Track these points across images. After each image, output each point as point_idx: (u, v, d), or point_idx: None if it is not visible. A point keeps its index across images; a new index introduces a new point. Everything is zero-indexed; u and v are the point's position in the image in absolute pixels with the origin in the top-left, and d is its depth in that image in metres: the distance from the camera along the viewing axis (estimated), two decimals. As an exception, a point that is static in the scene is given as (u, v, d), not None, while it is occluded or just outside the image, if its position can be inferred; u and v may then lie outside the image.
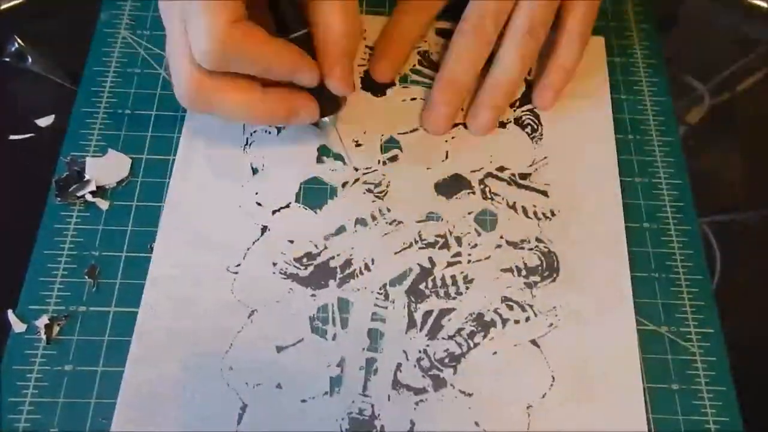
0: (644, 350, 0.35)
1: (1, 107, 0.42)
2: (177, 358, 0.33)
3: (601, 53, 0.45)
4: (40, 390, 0.33)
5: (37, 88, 0.42)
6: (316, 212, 0.38)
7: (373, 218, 0.38)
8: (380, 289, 0.36)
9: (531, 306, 0.36)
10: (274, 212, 0.38)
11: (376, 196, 0.39)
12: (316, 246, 0.37)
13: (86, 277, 0.35)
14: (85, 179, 0.37)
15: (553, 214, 0.39)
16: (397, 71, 0.42)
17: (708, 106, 0.44)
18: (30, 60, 0.42)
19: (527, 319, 0.36)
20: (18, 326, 0.34)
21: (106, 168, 0.38)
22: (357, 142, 0.40)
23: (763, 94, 0.45)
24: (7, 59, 0.42)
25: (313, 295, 0.36)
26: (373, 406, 0.33)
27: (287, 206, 0.38)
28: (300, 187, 0.39)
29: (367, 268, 0.37)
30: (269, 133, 0.40)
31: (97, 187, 0.37)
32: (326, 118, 0.37)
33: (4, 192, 0.38)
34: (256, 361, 0.34)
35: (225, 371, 0.33)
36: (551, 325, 0.35)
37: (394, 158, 0.40)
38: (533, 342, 0.35)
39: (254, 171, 0.39)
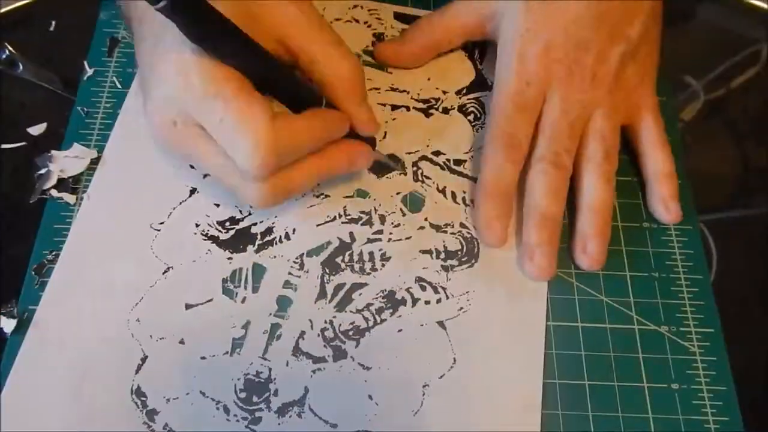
0: (644, 350, 0.35)
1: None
2: (87, 305, 0.34)
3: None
4: None
5: (28, 95, 0.41)
6: (246, 179, 0.39)
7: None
8: (297, 258, 0.36)
9: (444, 288, 0.36)
10: (205, 176, 0.38)
11: (308, 169, 0.39)
12: (240, 212, 0.38)
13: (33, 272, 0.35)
14: (46, 171, 0.37)
15: (481, 201, 0.39)
16: (509, 221, 0.38)
17: (703, 103, 0.44)
18: (21, 67, 0.42)
19: (438, 300, 0.36)
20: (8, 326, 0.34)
21: (70, 161, 0.38)
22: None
23: (757, 91, 0.45)
24: None
25: (229, 258, 0.36)
26: (270, 369, 0.33)
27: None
28: (234, 154, 0.39)
29: (287, 237, 0.37)
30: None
31: (60, 180, 0.37)
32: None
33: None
34: (163, 316, 0.34)
35: (131, 322, 0.34)
36: (461, 309, 0.36)
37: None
38: (440, 323, 0.35)
39: (193, 135, 0.40)
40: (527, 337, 0.35)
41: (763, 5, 0.48)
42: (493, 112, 0.39)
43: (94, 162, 0.38)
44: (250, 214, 0.38)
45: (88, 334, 0.34)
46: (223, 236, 0.37)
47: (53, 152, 0.38)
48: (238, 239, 0.37)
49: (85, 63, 0.42)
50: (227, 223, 0.37)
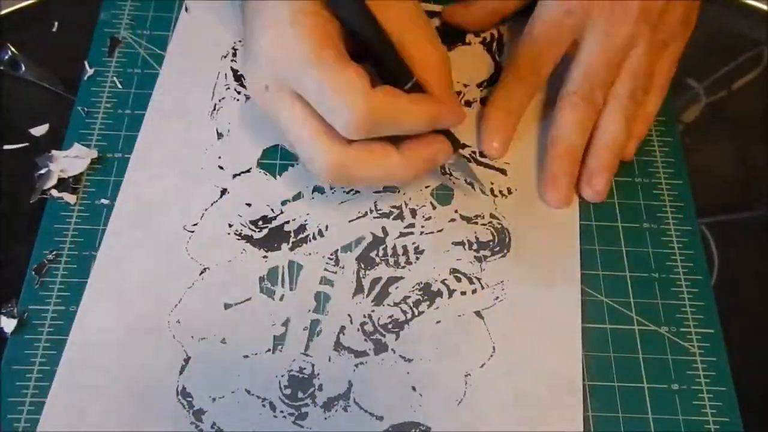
0: (644, 350, 0.35)
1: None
2: (129, 310, 0.34)
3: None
4: (40, 390, 0.32)
5: (31, 96, 0.41)
6: (276, 178, 0.39)
7: (331, 187, 0.39)
8: (331, 254, 0.37)
9: (479, 279, 0.36)
10: (234, 176, 0.39)
11: (337, 166, 0.39)
12: (272, 210, 0.38)
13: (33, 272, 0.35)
14: (47, 170, 0.37)
15: (509, 192, 0.39)
16: (509, 143, 0.40)
17: (704, 105, 0.45)
18: (23, 68, 0.42)
19: (474, 291, 0.36)
20: (8, 326, 0.34)
21: (70, 161, 0.38)
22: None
23: (758, 93, 0.46)
24: (1, 67, 0.42)
25: (264, 257, 0.36)
26: (313, 365, 0.34)
27: (248, 171, 0.39)
28: (262, 153, 0.40)
29: (320, 233, 0.37)
30: (237, 100, 0.41)
31: (60, 180, 0.37)
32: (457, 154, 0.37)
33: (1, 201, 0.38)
34: (203, 316, 0.35)
35: (172, 324, 0.34)
36: (497, 298, 0.36)
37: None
38: (477, 313, 0.35)
39: (219, 135, 0.40)
40: (563, 322, 0.35)
41: (765, 7, 0.49)
42: (523, 37, 0.40)
43: (95, 162, 0.38)
44: (282, 212, 0.38)
45: (130, 337, 0.34)
46: (257, 235, 0.37)
47: (54, 152, 0.38)
48: (272, 238, 0.37)
49: (86, 63, 0.42)
50: (260, 222, 0.37)
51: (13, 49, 0.42)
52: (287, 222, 0.37)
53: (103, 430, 0.31)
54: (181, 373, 0.33)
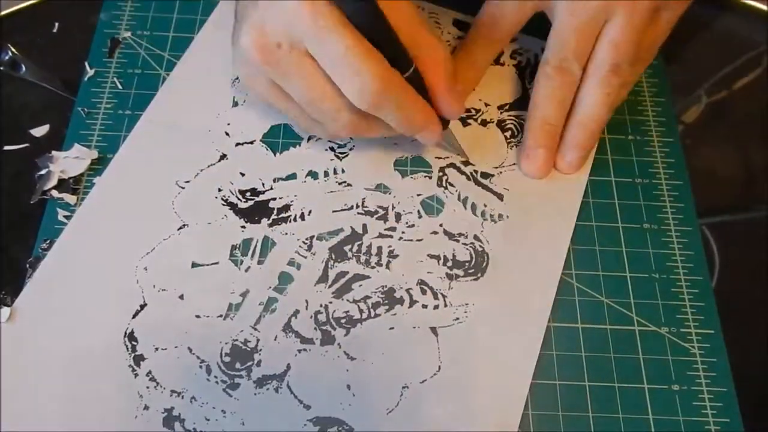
0: (644, 351, 0.35)
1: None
2: (104, 247, 0.36)
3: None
4: None
5: (31, 97, 0.41)
6: (275, 155, 0.40)
7: (326, 174, 0.39)
8: (306, 239, 0.37)
9: (444, 296, 0.36)
10: (237, 144, 0.40)
11: (336, 156, 0.40)
12: (263, 184, 0.38)
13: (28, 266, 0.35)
14: (47, 171, 0.37)
15: (500, 217, 0.38)
16: (466, 99, 0.42)
17: (705, 106, 0.44)
18: (24, 69, 0.42)
19: (436, 307, 0.36)
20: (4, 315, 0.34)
21: (70, 161, 0.38)
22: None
23: (759, 93, 0.45)
24: (1, 68, 0.42)
25: (243, 227, 0.37)
26: (258, 340, 0.34)
27: (251, 142, 0.40)
28: (269, 129, 0.40)
29: (302, 217, 0.38)
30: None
31: (60, 181, 0.37)
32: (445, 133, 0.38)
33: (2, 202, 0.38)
34: (169, 269, 0.36)
35: (139, 269, 0.35)
36: (457, 319, 0.35)
37: (366, 126, 0.41)
38: (433, 329, 0.35)
39: (235, 104, 0.41)
40: (517, 362, 0.34)
41: (765, 8, 0.48)
42: None
43: (95, 162, 0.38)
44: (271, 188, 0.38)
45: (95, 273, 0.35)
46: (242, 205, 0.38)
47: (54, 153, 0.38)
48: (255, 210, 0.38)
49: (86, 64, 0.42)
50: (248, 194, 0.38)
51: (13, 49, 0.43)
52: (273, 199, 0.38)
53: (50, 353, 0.33)
54: (133, 317, 0.34)
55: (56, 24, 0.44)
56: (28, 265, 0.35)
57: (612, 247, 0.38)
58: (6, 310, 0.34)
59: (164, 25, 0.44)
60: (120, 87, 0.41)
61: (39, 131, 0.40)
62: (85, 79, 0.41)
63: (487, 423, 0.33)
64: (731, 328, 0.36)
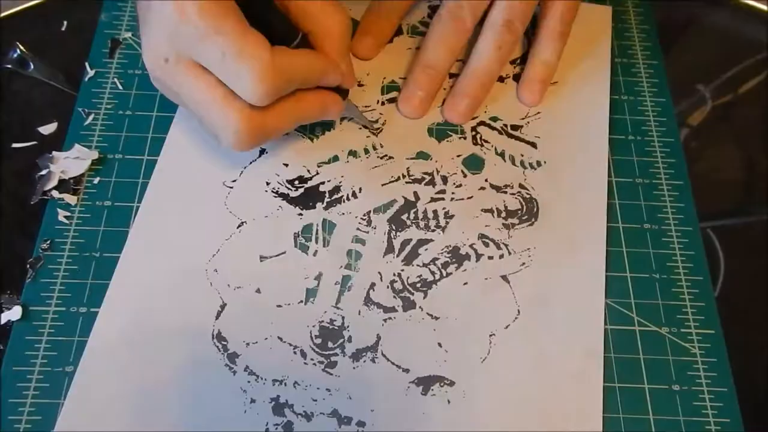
0: (644, 351, 0.35)
1: (3, 114, 0.41)
2: (169, 258, 0.36)
3: (607, 22, 0.46)
4: (40, 391, 0.32)
5: (39, 94, 0.41)
6: (312, 141, 0.40)
7: (366, 152, 0.40)
8: (364, 215, 0.38)
9: (506, 245, 0.37)
10: (272, 137, 0.40)
11: (371, 132, 0.41)
12: (308, 171, 0.39)
13: (28, 267, 0.35)
14: (47, 172, 0.37)
15: (539, 164, 0.40)
16: (380, 48, 0.43)
17: (710, 108, 0.45)
18: (32, 66, 0.42)
19: (501, 256, 0.37)
20: (15, 315, 0.34)
21: (71, 162, 0.38)
22: (360, 82, 0.42)
23: (764, 96, 0.45)
24: (9, 66, 0.42)
25: (300, 214, 0.38)
26: (343, 318, 0.35)
27: (287, 133, 0.40)
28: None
29: (354, 195, 0.38)
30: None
31: (61, 181, 0.37)
32: (347, 103, 0.38)
33: (7, 200, 0.38)
34: (240, 266, 0.36)
35: (210, 272, 0.36)
36: (523, 264, 0.37)
37: (392, 100, 0.42)
38: (504, 277, 0.36)
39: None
40: (587, 289, 0.36)
41: (765, 8, 0.48)
42: None
43: (96, 162, 0.38)
44: (317, 173, 0.39)
45: (168, 283, 0.35)
46: (293, 194, 0.38)
47: (54, 153, 0.38)
48: (308, 197, 0.38)
49: (86, 64, 0.42)
50: (296, 182, 0.39)
51: (21, 47, 0.43)
52: (322, 183, 0.39)
53: (138, 372, 0.33)
54: (217, 318, 0.34)
55: (64, 22, 0.44)
56: (28, 265, 0.35)
57: (612, 247, 0.38)
58: (17, 309, 0.34)
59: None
60: (120, 87, 0.41)
61: (47, 129, 0.40)
62: (86, 79, 0.41)
63: (573, 350, 0.34)
64: (736, 331, 0.36)
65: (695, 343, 0.36)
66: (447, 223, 0.38)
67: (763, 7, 0.49)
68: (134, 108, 0.41)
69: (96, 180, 0.38)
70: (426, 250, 0.37)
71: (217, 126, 0.33)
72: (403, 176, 0.39)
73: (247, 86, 0.31)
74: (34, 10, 0.44)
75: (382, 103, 0.42)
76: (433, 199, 0.39)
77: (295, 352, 0.34)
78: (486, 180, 0.39)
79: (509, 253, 0.37)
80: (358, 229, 0.37)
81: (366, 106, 0.41)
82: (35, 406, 0.32)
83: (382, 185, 0.39)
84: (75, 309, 0.35)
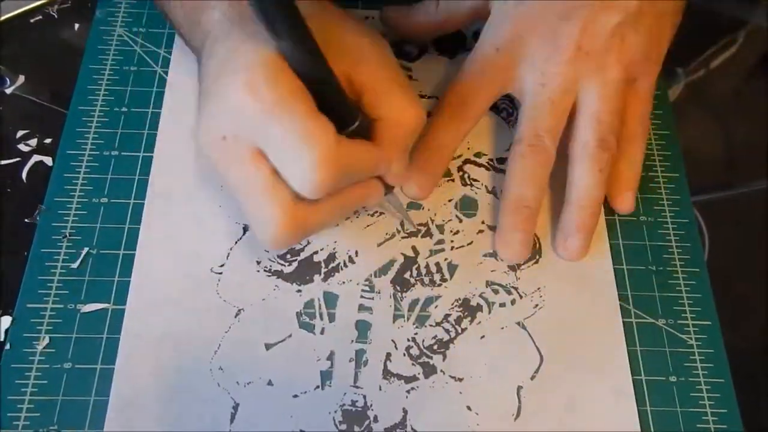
0: (641, 343, 0.35)
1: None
2: (167, 361, 0.33)
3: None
4: (39, 388, 0.32)
5: (18, 110, 0.41)
6: (297, 208, 0.38)
7: (355, 212, 0.38)
8: (366, 280, 0.36)
9: (516, 288, 0.36)
10: (254, 210, 0.38)
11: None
12: (299, 242, 0.37)
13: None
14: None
15: (534, 198, 0.39)
16: (435, 186, 0.38)
17: (683, 85, 0.45)
18: (8, 82, 0.41)
19: (513, 302, 0.36)
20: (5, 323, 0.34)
21: None
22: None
23: (736, 70, 0.46)
24: None
25: (298, 291, 0.36)
26: (365, 396, 0.33)
27: None
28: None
29: (351, 260, 0.37)
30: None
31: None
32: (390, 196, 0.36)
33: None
34: (246, 359, 0.34)
35: (215, 372, 0.33)
36: (536, 306, 0.36)
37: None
38: (519, 324, 0.35)
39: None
40: (605, 321, 0.36)
41: None
42: (457, 74, 0.38)
43: (92, 160, 0.38)
44: (308, 243, 0.37)
45: (173, 392, 0.33)
46: (287, 269, 0.36)
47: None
48: (303, 270, 0.36)
49: (83, 62, 0.42)
50: (288, 256, 0.37)
51: None
52: (316, 252, 0.37)
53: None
54: (232, 421, 0.32)
55: (42, 37, 0.44)
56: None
57: (609, 240, 0.38)
58: (6, 319, 0.34)
59: (160, 22, 0.43)
60: (116, 84, 0.41)
61: (27, 145, 0.39)
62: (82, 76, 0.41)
63: (603, 390, 0.34)
64: (723, 309, 0.36)
65: (692, 334, 0.36)
66: (452, 274, 0.37)
67: None
68: (129, 105, 0.40)
69: (93, 177, 0.38)
70: (436, 307, 0.36)
71: (256, 217, 0.30)
72: (398, 231, 0.38)
73: (304, 172, 0.28)
74: (13, 23, 0.44)
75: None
76: (433, 252, 0.37)
77: (321, 443, 0.32)
78: (483, 222, 0.38)
79: (520, 297, 0.36)
80: (362, 296, 0.36)
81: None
82: (33, 403, 0.32)
83: (378, 245, 0.37)
84: (72, 306, 0.34)
